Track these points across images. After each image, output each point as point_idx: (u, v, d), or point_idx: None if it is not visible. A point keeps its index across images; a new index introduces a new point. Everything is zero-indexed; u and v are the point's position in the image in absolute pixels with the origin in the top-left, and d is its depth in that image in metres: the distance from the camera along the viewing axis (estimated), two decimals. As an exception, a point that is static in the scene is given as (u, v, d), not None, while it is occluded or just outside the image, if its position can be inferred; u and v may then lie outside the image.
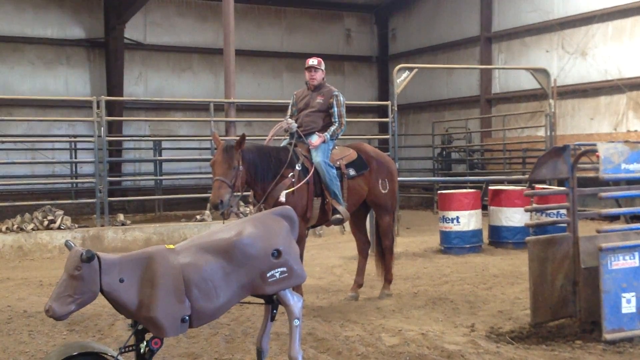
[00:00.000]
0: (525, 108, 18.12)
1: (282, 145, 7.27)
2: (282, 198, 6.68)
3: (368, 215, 8.57)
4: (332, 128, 7.23)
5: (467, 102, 20.65)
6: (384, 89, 23.34)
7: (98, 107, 11.43)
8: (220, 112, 14.12)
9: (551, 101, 13.65)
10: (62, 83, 19.10)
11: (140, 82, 20.17)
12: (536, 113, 17.03)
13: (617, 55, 16.00)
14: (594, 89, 16.55)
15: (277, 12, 22.31)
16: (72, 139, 16.78)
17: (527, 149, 17.00)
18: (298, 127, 7.24)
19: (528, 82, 16.87)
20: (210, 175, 13.61)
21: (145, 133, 19.52)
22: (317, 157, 7.05)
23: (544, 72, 13.66)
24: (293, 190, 6.81)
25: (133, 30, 19.48)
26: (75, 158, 17.06)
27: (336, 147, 7.43)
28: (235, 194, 6.66)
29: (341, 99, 7.34)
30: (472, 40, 20.19)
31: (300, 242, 6.66)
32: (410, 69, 11.86)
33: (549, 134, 13.90)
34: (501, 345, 5.53)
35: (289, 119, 7.32)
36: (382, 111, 21.67)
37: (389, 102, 12.55)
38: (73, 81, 19.24)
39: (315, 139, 7.16)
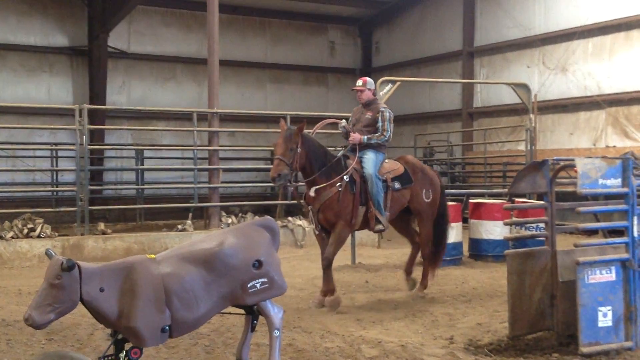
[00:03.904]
0: (506, 122, 18.31)
1: (337, 155, 7.86)
2: (312, 192, 7.47)
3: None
4: (374, 135, 7.83)
5: (449, 115, 20.81)
6: (367, 101, 23.41)
7: (80, 116, 11.39)
8: (203, 121, 14.11)
9: (532, 116, 13.80)
10: (45, 91, 19.00)
11: (123, 91, 20.10)
12: (517, 127, 17.21)
13: (597, 72, 16.24)
14: (574, 104, 16.77)
15: (261, 23, 22.37)
16: (54, 147, 16.68)
17: (508, 162, 17.17)
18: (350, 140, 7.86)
19: (509, 97, 17.06)
20: (192, 185, 13.75)
21: (128, 142, 19.45)
22: (370, 170, 7.69)
23: (525, 87, 13.82)
24: (323, 188, 7.44)
25: (117, 39, 19.43)
26: (57, 166, 16.94)
27: (386, 161, 8.03)
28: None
29: (387, 114, 7.92)
30: (455, 55, 20.39)
31: (340, 243, 7.65)
32: (393, 82, 11.94)
33: (529, 148, 14.05)
34: (479, 358, 5.58)
35: (344, 121, 8.14)
36: (365, 123, 21.75)
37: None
38: (55, 89, 19.14)
39: (354, 137, 7.80)
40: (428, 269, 8.38)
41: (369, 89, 8.07)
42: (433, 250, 8.41)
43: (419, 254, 8.51)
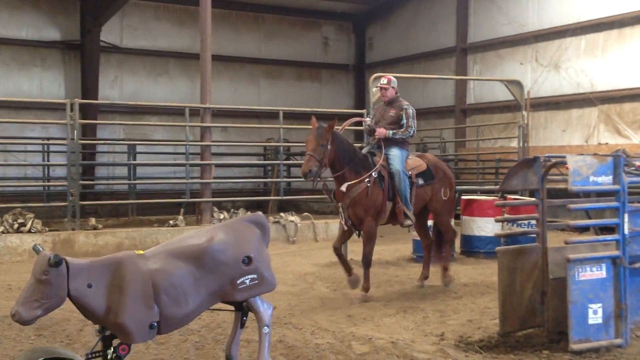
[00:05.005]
0: (499, 119, 18.32)
1: (362, 152, 8.14)
2: (343, 188, 7.67)
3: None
4: (399, 130, 8.10)
5: (442, 112, 20.81)
6: (360, 97, 23.43)
7: (72, 110, 11.33)
8: (196, 117, 14.08)
9: (524, 113, 13.81)
10: (36, 85, 18.91)
11: (116, 86, 20.03)
12: (509, 124, 17.23)
13: (590, 69, 16.26)
14: (566, 101, 16.79)
15: (255, 19, 22.31)
16: (45, 142, 16.60)
17: (500, 159, 17.17)
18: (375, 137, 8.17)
19: (502, 94, 17.06)
20: (184, 180, 13.73)
21: (120, 137, 19.38)
22: (397, 166, 7.96)
23: (518, 84, 13.82)
24: (353, 184, 7.67)
25: (109, 33, 19.35)
26: (48, 161, 16.85)
27: (409, 157, 8.28)
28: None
29: (410, 110, 8.20)
30: (448, 51, 20.37)
31: (372, 239, 7.98)
32: (386, 78, 11.89)
33: (521, 145, 14.07)
34: (470, 355, 5.58)
35: (368, 118, 8.61)
36: (358, 119, 21.72)
37: (364, 111, 12.60)
38: (47, 83, 19.06)
39: (380, 131, 8.08)
40: (449, 253, 8.83)
41: (393, 87, 8.33)
42: (438, 246, 8.78)
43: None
